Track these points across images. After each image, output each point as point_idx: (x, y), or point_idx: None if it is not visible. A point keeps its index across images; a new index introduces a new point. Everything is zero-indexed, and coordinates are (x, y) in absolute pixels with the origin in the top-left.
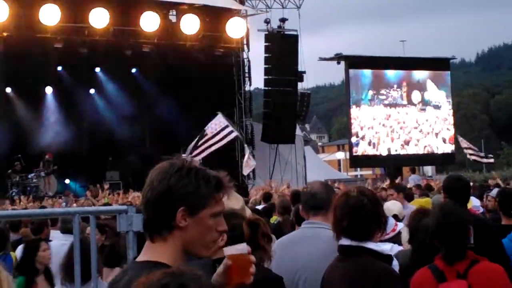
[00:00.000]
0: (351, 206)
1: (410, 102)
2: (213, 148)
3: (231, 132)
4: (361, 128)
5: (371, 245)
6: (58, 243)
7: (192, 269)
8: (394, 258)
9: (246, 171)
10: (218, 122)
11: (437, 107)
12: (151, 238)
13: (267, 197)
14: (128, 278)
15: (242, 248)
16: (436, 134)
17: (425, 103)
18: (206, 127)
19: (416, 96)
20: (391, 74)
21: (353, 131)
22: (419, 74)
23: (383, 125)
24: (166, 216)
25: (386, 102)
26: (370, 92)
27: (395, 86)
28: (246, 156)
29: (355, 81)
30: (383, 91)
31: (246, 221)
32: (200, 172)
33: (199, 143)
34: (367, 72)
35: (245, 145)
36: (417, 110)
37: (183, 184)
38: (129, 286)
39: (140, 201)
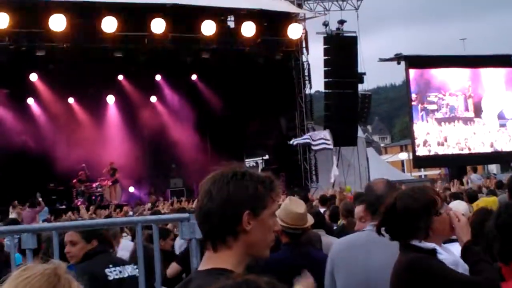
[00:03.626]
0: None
1: (479, 114)
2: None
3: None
4: (424, 130)
5: (415, 242)
6: None
7: (265, 277)
8: (441, 252)
9: (332, 179)
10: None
11: None
12: (214, 248)
13: (323, 200)
14: (195, 286)
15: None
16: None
17: (502, 116)
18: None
19: (489, 104)
20: (452, 73)
21: (416, 131)
22: (488, 74)
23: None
24: (231, 223)
25: (438, 115)
26: (417, 103)
27: (454, 89)
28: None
29: (416, 81)
30: (432, 97)
31: None
32: (254, 175)
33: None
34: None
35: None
36: (496, 127)
37: (243, 188)
38: None
39: (196, 213)
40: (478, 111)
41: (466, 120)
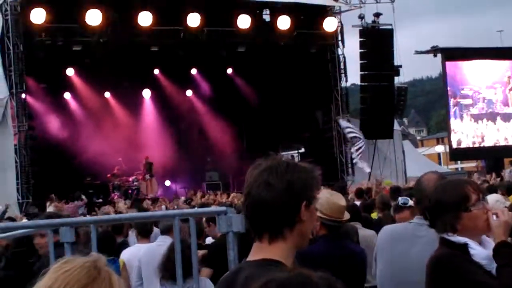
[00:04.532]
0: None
1: None
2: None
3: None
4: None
5: (445, 235)
6: (154, 245)
7: (318, 272)
8: (473, 247)
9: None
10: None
11: None
12: (270, 239)
13: (359, 193)
14: (246, 276)
15: None
16: None
17: None
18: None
19: None
20: (490, 65)
21: (452, 124)
22: None
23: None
24: (292, 213)
25: (474, 111)
26: (450, 97)
27: (492, 81)
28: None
29: (451, 74)
30: (467, 90)
31: None
32: (303, 165)
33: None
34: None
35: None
36: None
37: (300, 178)
38: (248, 284)
39: (247, 204)
40: None
41: (506, 117)
